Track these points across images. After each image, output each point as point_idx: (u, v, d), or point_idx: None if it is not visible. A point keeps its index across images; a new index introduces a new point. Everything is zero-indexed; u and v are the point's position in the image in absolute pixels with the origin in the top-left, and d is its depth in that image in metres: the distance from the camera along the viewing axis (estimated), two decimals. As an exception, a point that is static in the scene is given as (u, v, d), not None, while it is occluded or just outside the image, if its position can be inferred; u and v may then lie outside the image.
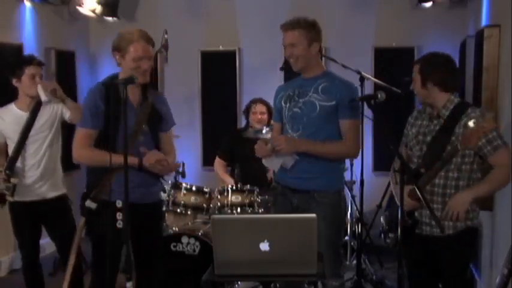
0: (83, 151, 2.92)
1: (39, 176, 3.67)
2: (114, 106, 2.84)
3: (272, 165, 3.28)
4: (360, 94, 3.87)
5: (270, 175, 4.20)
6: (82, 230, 3.15)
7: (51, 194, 3.73)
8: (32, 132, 3.62)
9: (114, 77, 2.98)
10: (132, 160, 2.82)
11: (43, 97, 3.62)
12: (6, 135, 3.65)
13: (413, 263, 3.04)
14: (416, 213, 2.92)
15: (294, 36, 3.08)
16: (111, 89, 2.87)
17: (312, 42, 3.09)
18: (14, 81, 3.63)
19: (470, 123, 2.62)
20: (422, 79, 2.86)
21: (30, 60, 3.64)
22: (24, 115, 3.64)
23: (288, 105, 3.19)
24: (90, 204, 2.92)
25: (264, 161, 3.26)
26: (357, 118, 3.14)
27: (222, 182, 4.67)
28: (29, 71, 3.59)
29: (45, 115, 3.67)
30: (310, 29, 3.09)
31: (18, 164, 3.63)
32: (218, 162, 4.85)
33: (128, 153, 2.54)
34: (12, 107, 3.69)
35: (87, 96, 2.96)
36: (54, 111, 3.71)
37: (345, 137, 3.10)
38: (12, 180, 3.58)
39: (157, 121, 3.06)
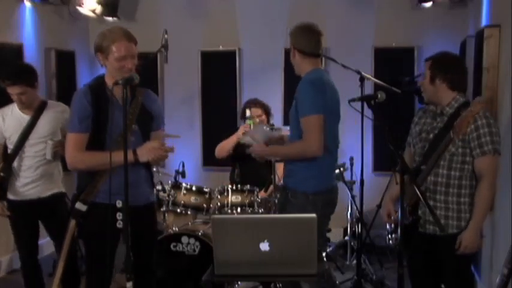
0: (77, 155, 2.86)
1: (36, 177, 3.68)
2: (101, 108, 2.81)
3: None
4: (359, 94, 3.89)
5: (278, 179, 4.19)
6: (73, 232, 3.14)
7: (46, 193, 3.73)
8: (33, 135, 3.62)
9: (100, 78, 2.94)
10: (128, 156, 2.73)
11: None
12: (5, 135, 3.65)
13: (415, 262, 3.04)
14: (420, 212, 2.92)
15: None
16: (98, 90, 2.85)
17: (294, 48, 3.24)
18: None
19: (463, 112, 2.66)
20: (431, 75, 2.89)
21: (4, 80, 3.49)
22: (26, 117, 3.63)
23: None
24: (80, 206, 2.88)
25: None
26: (309, 114, 3.04)
27: (227, 146, 4.55)
28: (7, 89, 3.52)
29: (48, 119, 3.67)
30: (291, 37, 3.27)
31: (15, 164, 3.63)
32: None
33: (124, 153, 2.53)
34: (14, 108, 3.67)
35: (74, 100, 2.89)
36: (57, 117, 3.71)
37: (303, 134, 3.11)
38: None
39: (148, 120, 3.02)
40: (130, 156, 2.78)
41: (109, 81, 2.88)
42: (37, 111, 3.64)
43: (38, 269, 3.83)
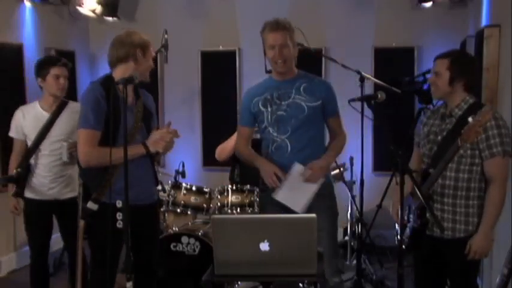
0: (92, 152, 2.84)
1: (52, 178, 3.69)
2: (113, 106, 2.81)
3: (294, 201, 3.07)
4: (359, 94, 3.89)
5: None
6: (83, 232, 3.15)
7: (65, 196, 3.74)
8: (51, 133, 3.64)
9: (109, 77, 2.94)
10: (140, 149, 2.85)
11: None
12: (25, 132, 3.68)
13: (421, 264, 3.02)
14: (428, 215, 2.87)
15: (285, 36, 3.09)
16: (110, 89, 2.84)
17: (295, 44, 3.17)
18: (39, 81, 3.68)
19: (470, 119, 2.62)
20: (451, 77, 2.81)
21: (56, 61, 3.69)
22: (45, 115, 3.67)
23: (269, 108, 3.18)
24: (91, 206, 2.88)
25: (278, 198, 3.08)
26: (338, 111, 3.29)
27: (229, 148, 4.41)
28: (53, 71, 3.64)
29: (66, 119, 3.68)
30: (292, 31, 3.14)
31: (32, 161, 3.67)
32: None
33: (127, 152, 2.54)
34: (35, 106, 3.73)
35: (88, 96, 2.87)
36: (75, 117, 3.70)
37: (335, 131, 3.29)
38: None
39: (150, 118, 3.08)
40: (141, 150, 2.86)
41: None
42: (57, 109, 3.68)
43: (46, 268, 3.85)
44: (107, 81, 2.91)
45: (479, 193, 2.80)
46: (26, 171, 3.66)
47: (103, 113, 2.83)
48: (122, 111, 2.60)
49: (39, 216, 3.72)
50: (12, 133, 3.72)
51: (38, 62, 3.75)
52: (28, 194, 3.70)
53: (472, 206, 2.80)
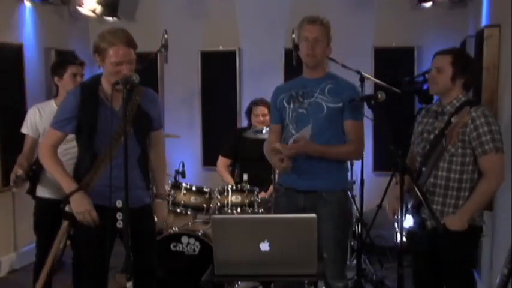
0: (46, 154, 2.93)
1: None
2: (90, 109, 2.82)
3: None
4: (359, 94, 3.88)
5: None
6: (64, 233, 3.14)
7: None
8: None
9: (96, 77, 2.93)
10: (65, 184, 2.86)
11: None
12: (40, 131, 3.68)
13: (418, 262, 3.03)
14: (423, 209, 2.89)
15: (321, 31, 3.10)
16: (90, 91, 2.85)
17: (329, 43, 3.15)
18: (56, 80, 3.75)
19: (453, 119, 2.64)
20: (455, 73, 2.82)
21: (73, 60, 3.79)
22: None
23: (291, 106, 3.17)
24: (69, 208, 2.87)
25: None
26: (360, 120, 3.14)
27: (222, 181, 4.65)
28: (71, 70, 3.73)
29: None
30: (329, 30, 3.16)
31: None
32: (221, 161, 4.78)
33: (125, 156, 2.53)
34: (51, 103, 3.76)
35: (66, 99, 2.96)
36: None
37: (348, 137, 3.12)
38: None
39: (144, 121, 2.97)
40: (66, 185, 2.87)
41: (104, 83, 2.88)
42: None
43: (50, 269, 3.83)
44: (91, 83, 2.92)
45: (470, 193, 2.82)
46: (40, 169, 3.65)
47: (71, 118, 2.86)
48: (122, 112, 2.59)
49: (50, 215, 3.70)
50: (24, 129, 3.72)
51: (55, 61, 3.86)
52: (40, 192, 3.71)
53: (461, 206, 2.82)
